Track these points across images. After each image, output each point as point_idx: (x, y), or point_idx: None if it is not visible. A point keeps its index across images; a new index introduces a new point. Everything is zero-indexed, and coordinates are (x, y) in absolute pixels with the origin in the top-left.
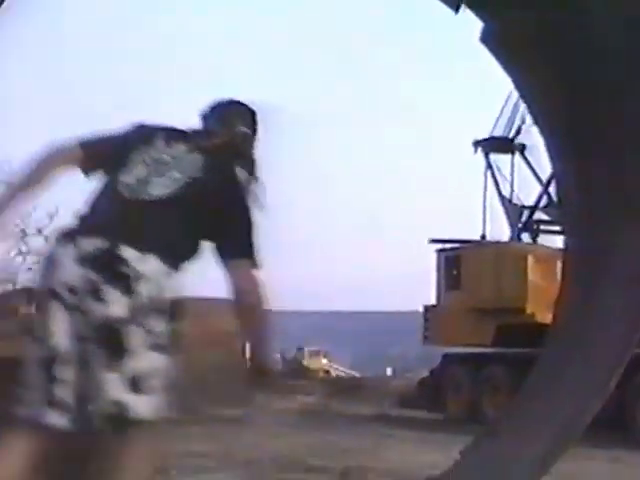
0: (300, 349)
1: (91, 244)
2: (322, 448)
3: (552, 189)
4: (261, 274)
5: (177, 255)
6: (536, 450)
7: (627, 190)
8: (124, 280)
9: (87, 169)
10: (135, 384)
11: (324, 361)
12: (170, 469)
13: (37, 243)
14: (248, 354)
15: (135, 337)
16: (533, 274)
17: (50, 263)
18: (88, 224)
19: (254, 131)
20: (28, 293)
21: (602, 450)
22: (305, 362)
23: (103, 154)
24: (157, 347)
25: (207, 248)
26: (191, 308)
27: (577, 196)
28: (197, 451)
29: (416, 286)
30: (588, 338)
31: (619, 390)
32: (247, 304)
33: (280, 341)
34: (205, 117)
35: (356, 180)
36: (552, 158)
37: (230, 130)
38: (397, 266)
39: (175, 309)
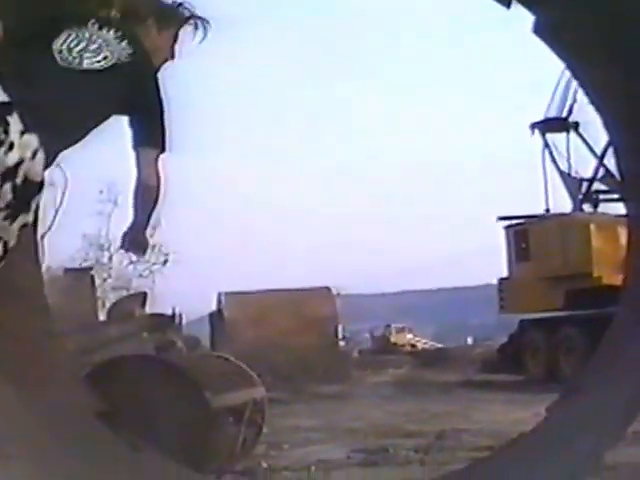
0: (387, 326)
1: None
2: (416, 414)
3: (607, 161)
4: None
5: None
6: (619, 402)
7: None
8: None
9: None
10: None
11: (409, 336)
12: (281, 443)
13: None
14: (340, 334)
15: None
16: (596, 240)
17: None
18: None
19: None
20: (142, 297)
21: None
22: (392, 338)
23: (34, 23)
24: None
25: None
26: (288, 299)
27: (636, 164)
28: (305, 426)
29: (488, 261)
30: None
31: None
32: (146, 190)
33: (368, 321)
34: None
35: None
36: (610, 131)
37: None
38: (469, 244)
39: None
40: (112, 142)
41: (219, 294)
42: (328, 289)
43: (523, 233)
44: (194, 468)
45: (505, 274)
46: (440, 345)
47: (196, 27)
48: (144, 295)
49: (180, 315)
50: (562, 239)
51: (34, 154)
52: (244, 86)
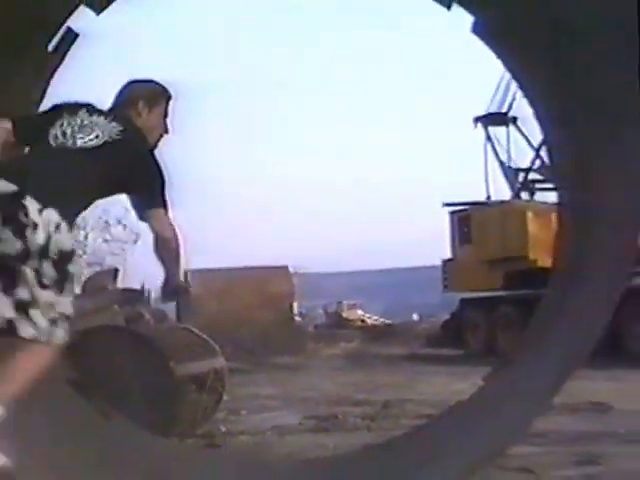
0: (339, 303)
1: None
2: (365, 385)
3: (543, 153)
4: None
5: (73, 209)
6: (547, 374)
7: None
8: (19, 225)
9: (20, 138)
10: (21, 309)
11: (360, 312)
12: (240, 410)
13: (118, 231)
14: (295, 310)
15: (25, 274)
16: (532, 226)
17: None
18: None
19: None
20: (114, 273)
21: (601, 370)
22: (344, 314)
23: (34, 123)
24: (45, 286)
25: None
26: (249, 276)
27: (566, 156)
28: (262, 394)
29: (433, 244)
30: (586, 275)
31: (615, 319)
32: (164, 243)
33: (322, 298)
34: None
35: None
36: (542, 126)
37: (132, 104)
38: (414, 227)
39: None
40: None
41: (185, 271)
42: (286, 268)
43: (466, 218)
44: (159, 432)
45: (449, 256)
46: (388, 321)
47: None
48: (116, 271)
49: (149, 290)
50: (501, 225)
51: (57, 226)
52: None
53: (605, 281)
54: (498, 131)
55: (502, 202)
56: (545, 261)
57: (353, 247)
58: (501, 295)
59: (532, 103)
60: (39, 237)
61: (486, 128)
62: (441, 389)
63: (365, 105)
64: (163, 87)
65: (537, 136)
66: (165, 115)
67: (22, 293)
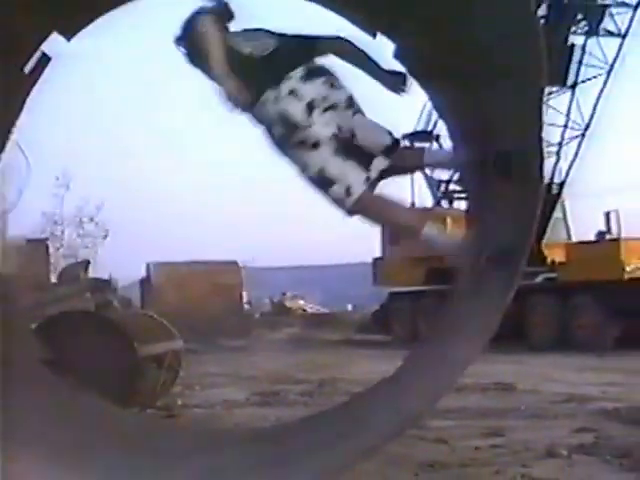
0: (283, 294)
1: None
2: (304, 365)
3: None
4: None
5: None
6: (456, 355)
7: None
8: None
9: None
10: None
11: (301, 302)
12: (194, 385)
13: (90, 228)
14: (244, 300)
15: None
16: (451, 229)
17: None
18: None
19: None
20: (85, 264)
21: (506, 355)
22: (287, 303)
23: None
24: None
25: None
26: (204, 269)
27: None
28: (212, 372)
29: (365, 243)
30: (483, 272)
31: (519, 309)
32: None
33: (268, 289)
34: None
35: None
36: (452, 142)
37: None
38: (348, 227)
39: None
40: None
41: (148, 264)
42: (236, 262)
43: None
44: (122, 405)
45: (378, 254)
46: (325, 310)
47: None
48: (87, 262)
49: (116, 280)
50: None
51: None
52: None
53: (501, 276)
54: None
55: (425, 208)
56: None
57: (294, 244)
58: (422, 289)
59: (444, 122)
60: None
61: (412, 144)
62: (370, 369)
63: None
64: None
65: None
66: None
67: None
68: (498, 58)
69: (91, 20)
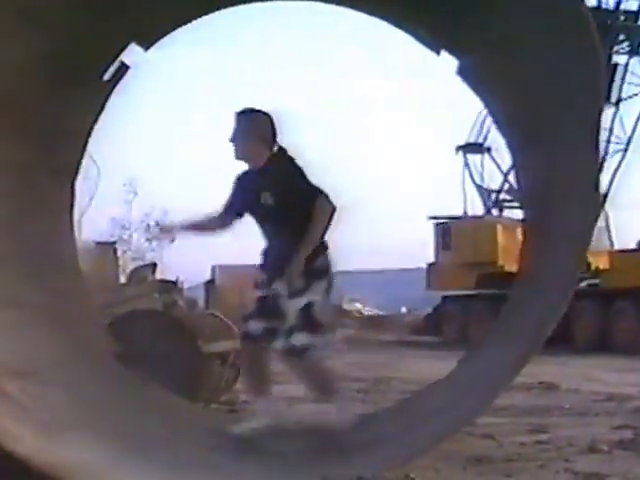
0: (341, 297)
1: None
2: (360, 364)
3: (510, 177)
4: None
5: None
6: (509, 358)
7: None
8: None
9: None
10: None
11: (358, 305)
12: None
13: (157, 232)
14: None
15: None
16: (501, 237)
17: None
18: None
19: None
20: (153, 267)
21: (551, 357)
22: (345, 306)
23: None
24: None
25: None
26: None
27: (530, 181)
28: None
29: (419, 250)
30: (543, 278)
31: (564, 315)
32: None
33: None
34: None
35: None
36: (512, 153)
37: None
38: (403, 235)
39: None
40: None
41: (213, 266)
42: None
43: (447, 229)
44: (188, 399)
45: (432, 260)
46: (381, 312)
47: None
48: (155, 265)
49: (182, 281)
50: (476, 235)
51: None
52: None
53: (558, 284)
54: (475, 158)
55: (476, 217)
56: (511, 266)
57: (352, 249)
58: (473, 293)
59: (503, 134)
60: None
61: (465, 155)
62: (422, 369)
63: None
64: None
65: (506, 164)
66: None
67: None
68: (561, 79)
69: (169, 31)
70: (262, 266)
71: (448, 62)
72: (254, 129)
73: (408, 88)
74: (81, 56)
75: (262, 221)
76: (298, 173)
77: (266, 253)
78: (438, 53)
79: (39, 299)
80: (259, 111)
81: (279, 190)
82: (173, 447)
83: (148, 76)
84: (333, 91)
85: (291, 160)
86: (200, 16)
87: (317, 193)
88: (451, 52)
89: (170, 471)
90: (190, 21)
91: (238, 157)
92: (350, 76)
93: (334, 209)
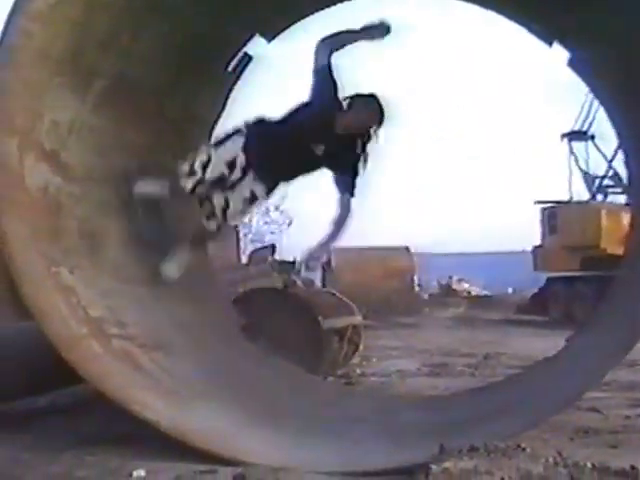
0: (450, 277)
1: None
2: (469, 341)
3: (614, 164)
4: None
5: None
6: (616, 339)
7: None
8: None
9: None
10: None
11: (466, 285)
12: (371, 357)
13: (275, 215)
14: (415, 282)
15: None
16: (605, 222)
17: None
18: None
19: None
20: (272, 248)
21: None
22: (453, 286)
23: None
24: None
25: None
26: (379, 254)
27: (638, 166)
28: (388, 346)
29: (525, 233)
30: None
31: None
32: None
33: (437, 273)
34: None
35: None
36: (621, 141)
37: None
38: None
39: None
40: None
41: (329, 247)
42: (407, 248)
43: (553, 214)
44: (309, 371)
45: (538, 243)
46: (488, 293)
47: None
48: (274, 247)
49: (299, 262)
50: (581, 219)
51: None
52: None
53: None
54: (579, 146)
55: (581, 202)
56: (613, 249)
57: (460, 232)
58: (578, 275)
59: (614, 123)
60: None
61: (570, 143)
62: (528, 346)
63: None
64: None
65: (610, 151)
66: None
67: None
68: None
69: (291, 23)
70: None
71: (560, 53)
72: None
73: (516, 76)
74: (207, 47)
75: None
76: None
77: None
78: (550, 45)
79: None
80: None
81: None
82: (299, 416)
83: (270, 67)
84: (441, 79)
85: None
86: (322, 9)
87: None
88: (563, 44)
89: (297, 438)
90: (312, 13)
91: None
92: (462, 65)
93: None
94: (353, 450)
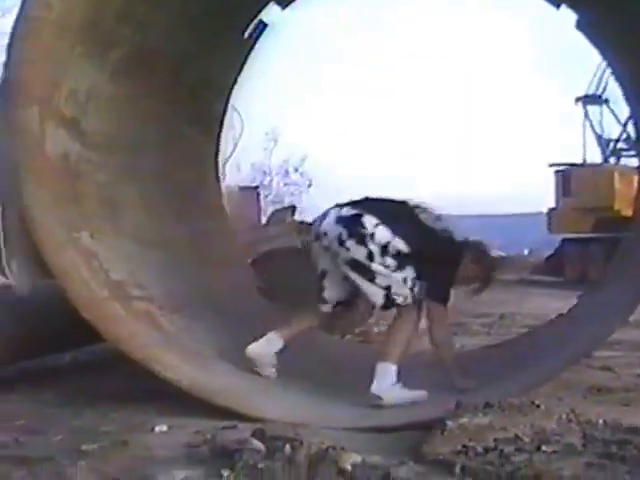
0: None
1: (348, 211)
2: (484, 301)
3: (628, 127)
4: None
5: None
6: (626, 297)
7: None
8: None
9: None
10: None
11: None
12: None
13: (295, 177)
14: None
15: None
16: (618, 184)
17: (321, 217)
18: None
19: None
20: (292, 209)
21: None
22: None
23: None
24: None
25: None
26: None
27: None
28: None
29: (541, 195)
30: None
31: None
32: None
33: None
34: None
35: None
36: (631, 106)
37: None
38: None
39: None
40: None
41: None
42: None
43: (567, 176)
44: (324, 330)
45: (553, 205)
46: (504, 254)
47: None
48: (293, 208)
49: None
50: (594, 182)
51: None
52: None
53: None
54: (594, 109)
55: (595, 164)
56: (627, 211)
57: (478, 195)
58: (592, 236)
59: (622, 86)
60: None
61: (585, 106)
62: (543, 306)
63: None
64: None
65: (624, 114)
66: None
67: (380, 280)
68: None
69: None
70: None
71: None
72: None
73: (532, 41)
74: (223, 16)
75: None
76: None
77: None
78: (558, 7)
79: (188, 239)
80: None
81: None
82: (315, 374)
83: (287, 33)
84: (460, 39)
85: None
86: None
87: None
88: (571, 6)
89: (313, 396)
90: None
91: None
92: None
93: None
94: (369, 406)
